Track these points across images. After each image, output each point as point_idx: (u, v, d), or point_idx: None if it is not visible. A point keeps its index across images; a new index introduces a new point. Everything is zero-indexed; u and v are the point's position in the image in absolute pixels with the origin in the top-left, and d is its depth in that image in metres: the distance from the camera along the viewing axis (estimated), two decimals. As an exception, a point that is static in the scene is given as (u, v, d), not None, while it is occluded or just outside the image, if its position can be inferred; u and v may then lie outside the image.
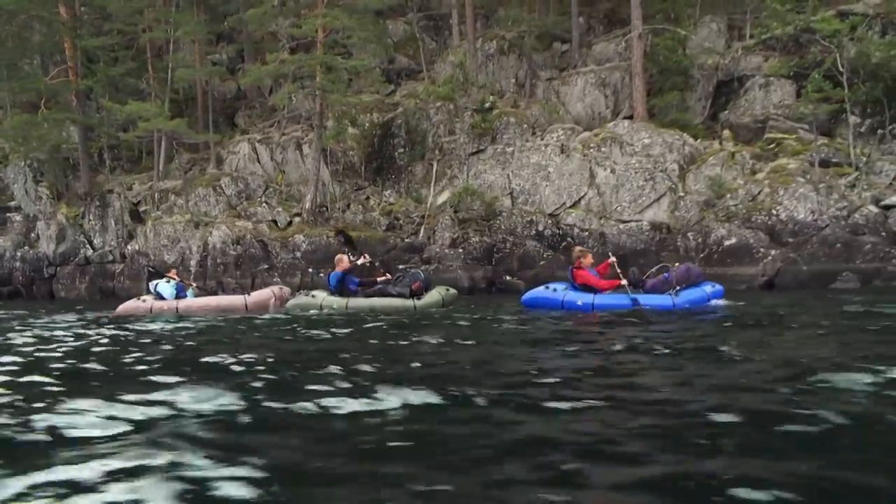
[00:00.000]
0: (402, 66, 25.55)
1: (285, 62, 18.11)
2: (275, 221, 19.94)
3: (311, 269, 17.50)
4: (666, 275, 9.60)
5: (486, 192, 18.92)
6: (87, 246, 22.95)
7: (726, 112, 19.29)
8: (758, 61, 19.57)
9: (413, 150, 20.98)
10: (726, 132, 18.84)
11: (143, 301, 12.53)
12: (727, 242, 15.68)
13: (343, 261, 11.75)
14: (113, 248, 22.27)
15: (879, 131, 17.59)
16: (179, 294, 12.94)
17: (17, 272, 22.85)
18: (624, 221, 17.13)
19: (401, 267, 16.67)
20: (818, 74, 16.18)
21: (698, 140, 18.36)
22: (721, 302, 9.45)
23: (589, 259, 9.93)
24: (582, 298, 9.44)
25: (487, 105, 20.38)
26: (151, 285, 13.13)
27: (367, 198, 20.56)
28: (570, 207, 17.99)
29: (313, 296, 11.52)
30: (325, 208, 20.22)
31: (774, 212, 15.70)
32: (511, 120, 19.70)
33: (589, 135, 18.68)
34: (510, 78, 22.58)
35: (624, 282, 9.45)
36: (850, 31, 16.34)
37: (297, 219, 19.95)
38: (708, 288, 9.49)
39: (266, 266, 18.13)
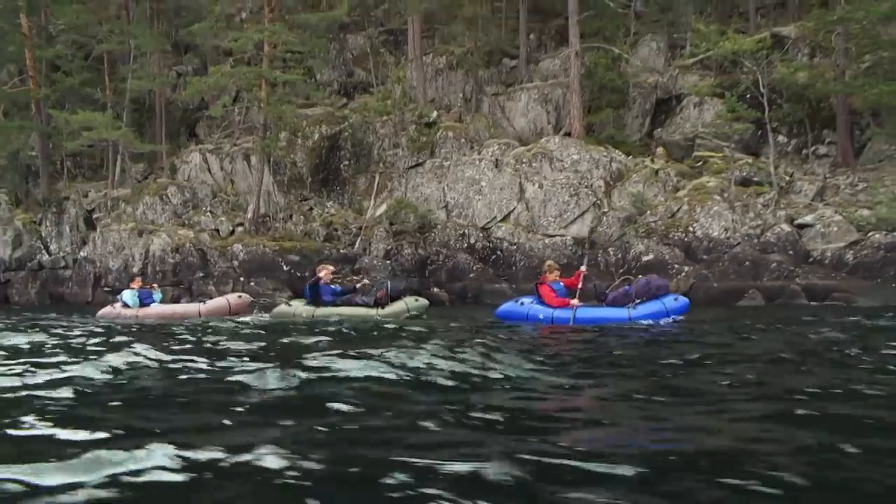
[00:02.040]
0: (360, 79, 25.97)
1: (224, 75, 18.52)
2: (217, 230, 20.29)
3: (241, 279, 17.81)
4: (627, 287, 9.77)
5: (423, 204, 19.25)
6: (44, 251, 23.33)
7: (660, 130, 19.60)
8: (694, 80, 19.89)
9: (358, 162, 21.36)
10: (660, 149, 19.14)
11: (114, 308, 13.91)
12: (645, 258, 15.97)
13: (322, 270, 12.04)
14: (66, 255, 22.65)
15: (804, 151, 17.89)
16: (144, 301, 13.87)
17: (-28, 276, 23.25)
18: (549, 236, 17.43)
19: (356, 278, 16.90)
20: (733, 95, 16.48)
21: (629, 157, 18.67)
22: (680, 317, 9.43)
23: (555, 274, 10.16)
24: (543, 312, 9.81)
25: (430, 119, 20.78)
26: (119, 296, 14.25)
27: (311, 209, 20.91)
28: (500, 221, 18.31)
29: (290, 304, 12.12)
30: (268, 218, 20.57)
31: (691, 229, 15.99)
32: (450, 134, 20.06)
33: (522, 150, 19.02)
34: (458, 93, 22.97)
35: (574, 302, 9.62)
36: (769, 53, 16.63)
37: (239, 228, 20.31)
38: (668, 301, 9.54)
39: (202, 274, 18.47)
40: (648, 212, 16.69)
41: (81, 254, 21.53)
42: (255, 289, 17.14)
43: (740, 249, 15.26)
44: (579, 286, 9.80)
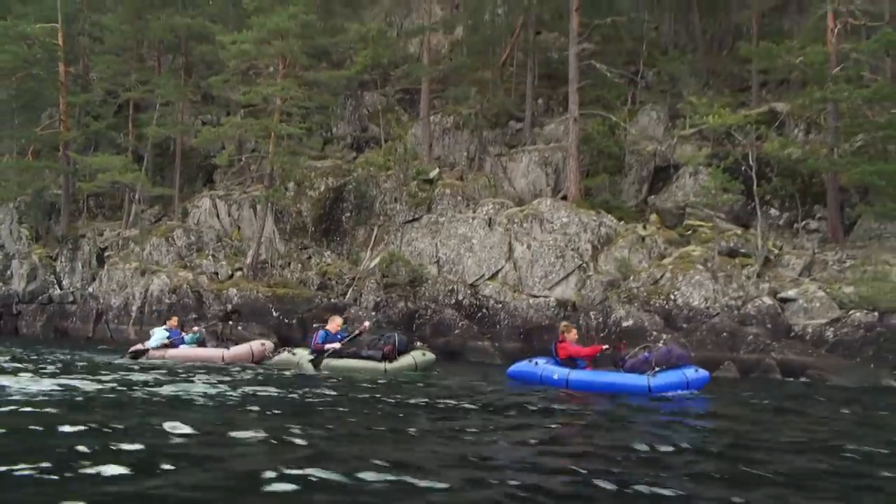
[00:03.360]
0: (372, 135, 26.81)
1: (233, 126, 19.42)
2: (217, 274, 20.87)
3: (230, 322, 18.22)
4: (646, 354, 9.56)
5: (416, 259, 19.58)
6: (56, 286, 24.22)
7: (653, 197, 19.79)
8: (692, 150, 20.12)
9: (359, 214, 21.91)
10: (653, 216, 19.28)
11: (143, 346, 14.03)
12: (625, 323, 15.93)
13: (333, 322, 11.93)
14: (76, 290, 23.48)
15: (795, 225, 17.85)
16: (174, 341, 14.08)
17: (-12, 307, 24.21)
18: (534, 296, 17.54)
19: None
20: (719, 167, 16.65)
21: (622, 222, 18.81)
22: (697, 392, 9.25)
23: (573, 334, 10.13)
24: (558, 373, 9.67)
25: (430, 176, 21.33)
26: (151, 332, 14.50)
27: (309, 257, 21.41)
28: (488, 279, 18.50)
29: (293, 353, 11.98)
30: (267, 264, 21.11)
31: (672, 297, 15.96)
32: (447, 192, 20.52)
33: (515, 210, 19.34)
34: (462, 151, 23.56)
35: (605, 346, 9.72)
36: (758, 127, 16.84)
37: (238, 273, 20.86)
38: (690, 372, 9.27)
39: (195, 316, 18.94)
40: (632, 277, 16.74)
41: (88, 290, 22.30)
42: (241, 333, 17.53)
43: (719, 320, 15.16)
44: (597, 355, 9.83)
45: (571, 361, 9.85)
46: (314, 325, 18.25)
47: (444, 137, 23.95)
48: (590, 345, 10.42)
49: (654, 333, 15.42)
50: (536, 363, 10.01)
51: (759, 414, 8.44)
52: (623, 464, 4.65)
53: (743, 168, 17.41)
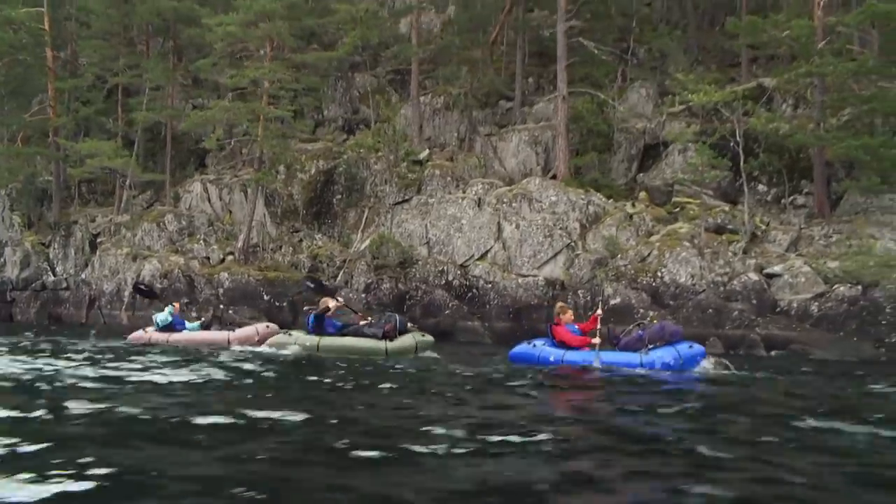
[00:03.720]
0: (363, 117, 26.73)
1: (220, 109, 19.39)
2: (208, 258, 20.95)
3: (222, 306, 18.33)
4: (640, 332, 9.68)
5: (406, 240, 19.64)
6: (49, 273, 24.30)
7: (641, 175, 19.80)
8: (681, 127, 20.09)
9: (350, 197, 21.93)
10: (643, 194, 19.30)
11: (145, 332, 13.77)
12: (613, 301, 16.02)
13: (326, 303, 11.76)
14: (69, 277, 23.56)
15: (783, 201, 17.89)
16: (176, 326, 13.84)
17: (-18, 294, 24.30)
18: (523, 276, 17.63)
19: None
20: (705, 143, 16.65)
21: (610, 200, 18.84)
22: (706, 363, 9.33)
23: (569, 315, 10.22)
24: (553, 354, 9.79)
25: (419, 157, 21.32)
26: (154, 317, 14.21)
27: (301, 241, 21.47)
28: (478, 259, 18.58)
29: (290, 334, 11.79)
30: (258, 248, 21.18)
31: (659, 274, 16.05)
32: (437, 172, 20.53)
33: (504, 190, 19.36)
34: (453, 132, 23.51)
35: (595, 340, 9.59)
36: (745, 103, 16.81)
37: (230, 257, 20.93)
38: (683, 348, 9.36)
39: (186, 301, 19.04)
40: (619, 255, 16.82)
41: (81, 276, 22.38)
42: (232, 316, 17.63)
43: (705, 296, 15.26)
44: (597, 328, 9.73)
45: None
46: (304, 308, 18.42)
47: (434, 118, 23.88)
48: (586, 321, 10.29)
49: (642, 311, 15.54)
50: (535, 345, 10.15)
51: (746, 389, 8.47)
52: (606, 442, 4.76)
53: (731, 144, 17.42)
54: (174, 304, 14.71)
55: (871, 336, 13.67)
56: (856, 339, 13.81)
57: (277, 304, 18.38)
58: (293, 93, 20.41)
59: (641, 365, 9.10)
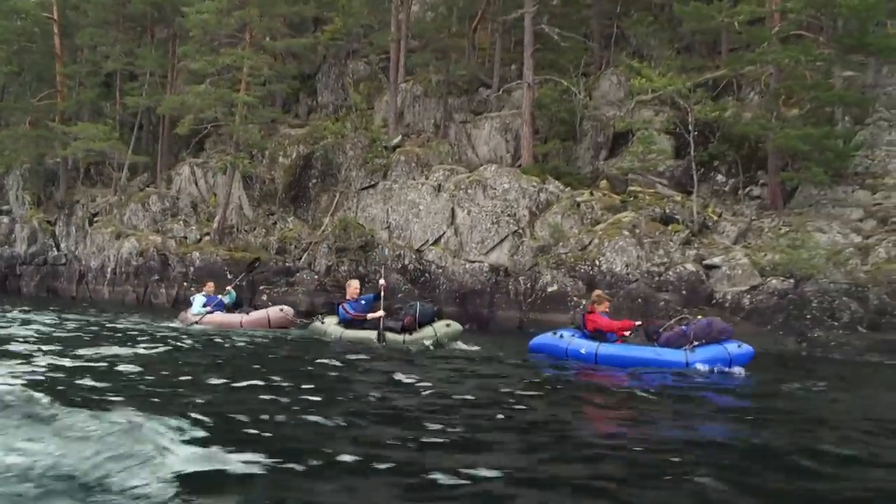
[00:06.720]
0: (352, 103, 27.18)
1: (194, 94, 20.11)
2: (185, 238, 21.81)
3: (185, 284, 19.13)
4: (684, 327, 8.77)
5: (369, 224, 20.05)
6: (55, 249, 25.74)
7: (602, 162, 19.64)
8: (649, 115, 19.81)
9: (325, 181, 22.45)
10: (604, 182, 19.16)
11: (187, 313, 13.84)
12: (550, 289, 16.10)
13: (351, 287, 11.62)
14: (69, 253, 24.91)
15: (739, 192, 17.51)
16: (212, 308, 13.58)
17: (-5, 267, 25.95)
18: (471, 261, 17.81)
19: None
20: (650, 131, 16.42)
21: (568, 188, 18.78)
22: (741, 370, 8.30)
23: (605, 306, 9.40)
24: (586, 347, 8.92)
25: (390, 143, 21.64)
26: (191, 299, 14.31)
27: (275, 223, 22.13)
28: (432, 244, 18.84)
29: (323, 322, 11.70)
30: (234, 229, 21.93)
31: (597, 262, 16.00)
32: (402, 158, 20.81)
33: (462, 177, 19.51)
34: (431, 119, 23.71)
35: (638, 322, 9.00)
36: (698, 92, 16.50)
37: (207, 237, 21.75)
38: (732, 347, 8.45)
39: (158, 278, 19.95)
40: (561, 243, 16.81)
41: (75, 252, 23.63)
42: (194, 293, 18.38)
43: (636, 286, 15.17)
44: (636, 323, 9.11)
45: (601, 335, 9.07)
46: (262, 288, 19.06)
47: (414, 105, 24.12)
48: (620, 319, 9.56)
49: (575, 299, 15.55)
50: (562, 336, 9.23)
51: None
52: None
53: (684, 134, 17.14)
54: (207, 284, 14.61)
55: (794, 330, 13.40)
56: (781, 332, 13.57)
57: (237, 282, 19.01)
58: (262, 79, 20.93)
59: (687, 364, 8.23)
